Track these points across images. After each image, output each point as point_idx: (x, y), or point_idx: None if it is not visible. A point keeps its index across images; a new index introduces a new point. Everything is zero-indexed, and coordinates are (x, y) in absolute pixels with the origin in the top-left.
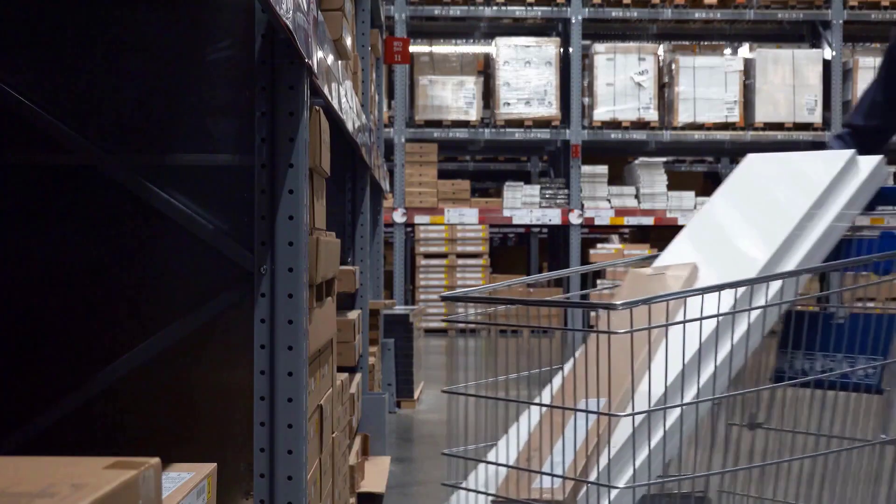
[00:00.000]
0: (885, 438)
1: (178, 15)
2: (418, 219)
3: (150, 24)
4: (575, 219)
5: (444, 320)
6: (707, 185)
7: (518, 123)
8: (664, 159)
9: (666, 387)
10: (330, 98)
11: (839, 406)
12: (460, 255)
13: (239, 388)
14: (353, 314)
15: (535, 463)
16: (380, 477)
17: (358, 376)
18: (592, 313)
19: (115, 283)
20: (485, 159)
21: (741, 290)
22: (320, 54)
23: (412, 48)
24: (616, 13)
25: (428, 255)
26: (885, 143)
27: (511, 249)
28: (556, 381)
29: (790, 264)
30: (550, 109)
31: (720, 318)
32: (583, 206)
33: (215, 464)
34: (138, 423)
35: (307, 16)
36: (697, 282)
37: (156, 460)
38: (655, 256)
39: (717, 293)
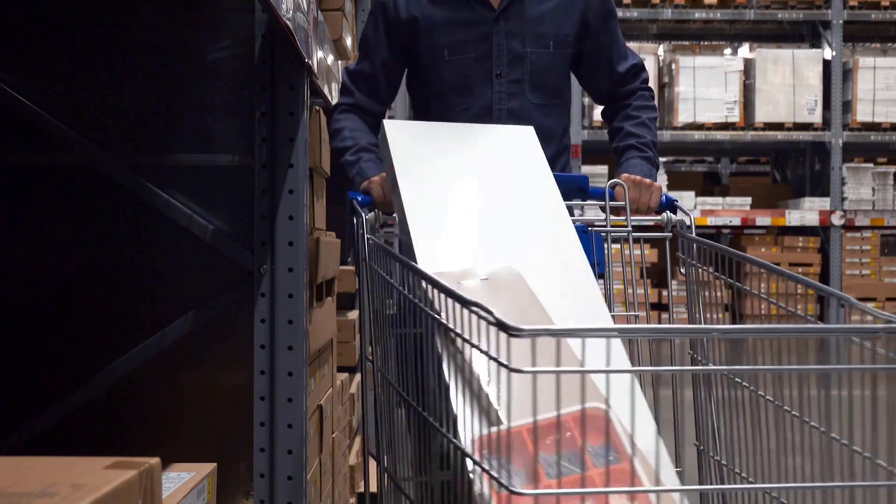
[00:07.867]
0: None
1: (178, 15)
2: None
3: (150, 24)
4: None
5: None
6: (707, 185)
7: None
8: (664, 159)
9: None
10: (330, 98)
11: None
12: None
13: (239, 388)
14: (353, 314)
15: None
16: None
17: (358, 376)
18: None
19: (115, 283)
20: None
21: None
22: (320, 54)
23: None
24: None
25: None
26: None
27: None
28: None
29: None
30: None
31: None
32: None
33: (215, 464)
34: (138, 423)
35: (307, 16)
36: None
37: (156, 460)
38: None
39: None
